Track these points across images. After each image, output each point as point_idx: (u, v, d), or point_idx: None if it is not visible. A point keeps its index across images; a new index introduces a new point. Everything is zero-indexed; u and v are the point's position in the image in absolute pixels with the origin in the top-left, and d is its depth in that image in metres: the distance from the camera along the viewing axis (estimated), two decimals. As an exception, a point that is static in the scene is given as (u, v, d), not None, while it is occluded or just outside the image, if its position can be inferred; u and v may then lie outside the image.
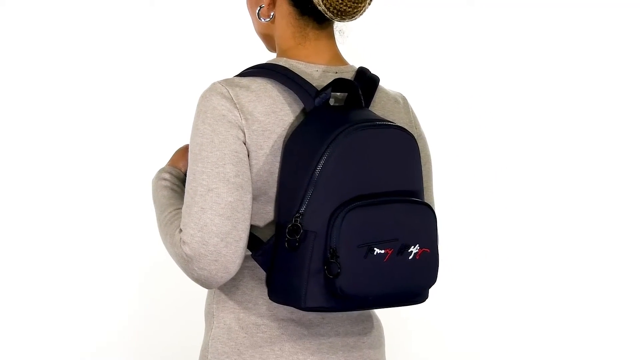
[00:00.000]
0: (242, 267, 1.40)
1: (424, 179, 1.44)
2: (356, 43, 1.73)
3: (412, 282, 1.34)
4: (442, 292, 2.56)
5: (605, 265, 2.94)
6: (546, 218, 2.96)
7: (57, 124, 2.85)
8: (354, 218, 1.27)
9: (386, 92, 1.51)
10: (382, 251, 1.29)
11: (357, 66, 1.49)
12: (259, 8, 1.48)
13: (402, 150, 1.35)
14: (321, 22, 1.43)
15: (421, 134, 1.54)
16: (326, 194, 1.28)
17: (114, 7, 2.88)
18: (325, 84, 1.39)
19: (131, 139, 2.86)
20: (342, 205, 1.28)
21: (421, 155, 1.45)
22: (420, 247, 1.32)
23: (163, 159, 2.69)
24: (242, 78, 1.40)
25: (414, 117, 1.55)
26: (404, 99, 1.54)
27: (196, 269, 1.31)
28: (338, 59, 1.47)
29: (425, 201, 1.41)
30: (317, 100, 1.35)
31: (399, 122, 1.46)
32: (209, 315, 1.46)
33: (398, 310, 1.63)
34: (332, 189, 1.28)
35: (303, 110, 1.38)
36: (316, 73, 1.42)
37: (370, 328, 1.49)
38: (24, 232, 2.83)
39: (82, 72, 2.87)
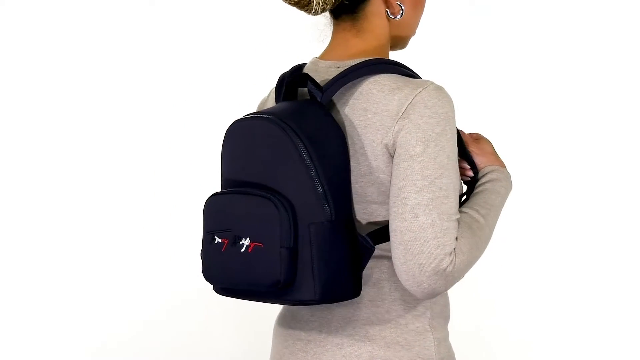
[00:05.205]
0: None
1: (399, 178, 1.26)
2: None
3: (247, 276, 1.28)
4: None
5: (601, 263, 2.95)
6: (539, 215, 2.98)
7: (58, 124, 2.86)
8: (207, 205, 1.35)
9: (390, 81, 1.32)
10: (220, 240, 1.31)
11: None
12: None
13: (264, 142, 1.29)
14: (337, 18, 1.40)
15: (403, 127, 1.27)
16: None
17: (114, 7, 2.88)
18: (325, 79, 1.36)
19: (129, 139, 2.86)
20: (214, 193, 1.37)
21: (400, 151, 1.27)
22: (251, 241, 1.26)
23: (160, 159, 2.69)
24: None
25: (413, 107, 1.28)
26: (417, 86, 1.30)
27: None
28: (351, 53, 1.38)
29: (393, 202, 1.26)
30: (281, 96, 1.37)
31: (380, 112, 1.29)
32: None
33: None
34: (220, 178, 1.38)
35: None
36: (322, 69, 1.38)
37: (369, 337, 1.34)
38: (23, 233, 2.83)
39: (81, 71, 2.87)
